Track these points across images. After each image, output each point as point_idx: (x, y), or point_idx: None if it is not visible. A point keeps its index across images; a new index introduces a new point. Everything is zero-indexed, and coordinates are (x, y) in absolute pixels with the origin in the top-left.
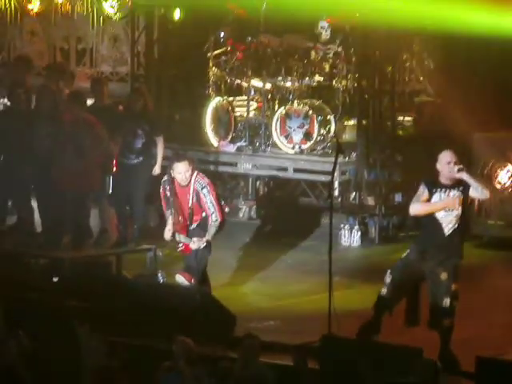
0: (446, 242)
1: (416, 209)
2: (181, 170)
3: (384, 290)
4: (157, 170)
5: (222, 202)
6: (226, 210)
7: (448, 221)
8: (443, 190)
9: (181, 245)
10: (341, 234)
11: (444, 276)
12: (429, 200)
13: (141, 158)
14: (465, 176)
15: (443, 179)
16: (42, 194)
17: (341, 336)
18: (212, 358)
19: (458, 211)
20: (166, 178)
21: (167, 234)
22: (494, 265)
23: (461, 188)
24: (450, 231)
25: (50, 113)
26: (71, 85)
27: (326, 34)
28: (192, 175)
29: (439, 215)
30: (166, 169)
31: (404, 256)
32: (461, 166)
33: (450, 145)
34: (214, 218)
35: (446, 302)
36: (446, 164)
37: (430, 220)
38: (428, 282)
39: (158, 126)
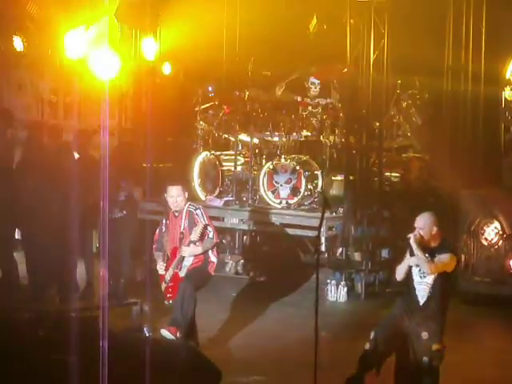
0: (421, 309)
1: (397, 273)
2: (173, 194)
3: (367, 345)
4: None
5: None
6: (216, 260)
7: (421, 289)
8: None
9: (166, 286)
10: (327, 290)
11: (425, 336)
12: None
13: (124, 212)
14: (411, 242)
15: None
16: (28, 248)
17: None
18: None
19: (431, 278)
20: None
21: (161, 269)
22: (480, 322)
23: (436, 254)
24: (425, 300)
25: (35, 166)
26: (59, 138)
27: (315, 91)
28: (186, 204)
29: (414, 281)
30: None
31: (389, 313)
32: (413, 233)
33: (437, 202)
34: (211, 235)
35: (426, 360)
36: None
37: (408, 285)
38: (410, 340)
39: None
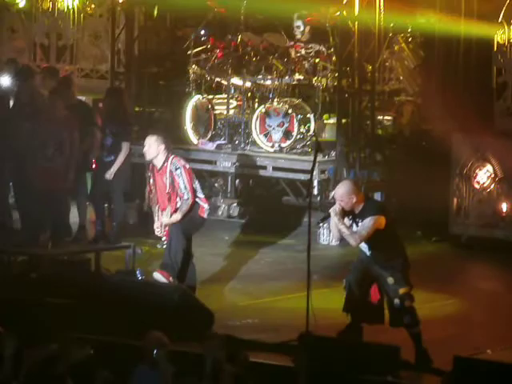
0: (373, 261)
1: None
2: (146, 142)
3: (344, 294)
4: (107, 175)
5: (203, 196)
6: (206, 206)
7: (363, 245)
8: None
9: (163, 232)
10: (320, 233)
11: (390, 280)
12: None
13: (112, 157)
14: (332, 216)
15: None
16: (21, 191)
17: (318, 334)
18: (190, 356)
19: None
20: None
21: (157, 231)
22: (472, 265)
23: (359, 220)
24: (371, 254)
25: (30, 110)
26: (55, 81)
27: (300, 32)
28: (168, 158)
29: None
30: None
31: (357, 258)
32: (333, 208)
33: (429, 145)
34: (186, 197)
35: (397, 302)
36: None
37: None
38: (380, 283)
39: (125, 131)
